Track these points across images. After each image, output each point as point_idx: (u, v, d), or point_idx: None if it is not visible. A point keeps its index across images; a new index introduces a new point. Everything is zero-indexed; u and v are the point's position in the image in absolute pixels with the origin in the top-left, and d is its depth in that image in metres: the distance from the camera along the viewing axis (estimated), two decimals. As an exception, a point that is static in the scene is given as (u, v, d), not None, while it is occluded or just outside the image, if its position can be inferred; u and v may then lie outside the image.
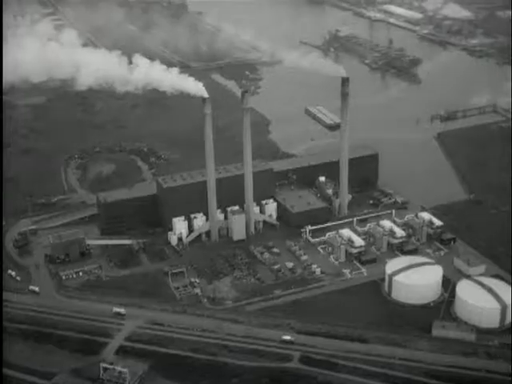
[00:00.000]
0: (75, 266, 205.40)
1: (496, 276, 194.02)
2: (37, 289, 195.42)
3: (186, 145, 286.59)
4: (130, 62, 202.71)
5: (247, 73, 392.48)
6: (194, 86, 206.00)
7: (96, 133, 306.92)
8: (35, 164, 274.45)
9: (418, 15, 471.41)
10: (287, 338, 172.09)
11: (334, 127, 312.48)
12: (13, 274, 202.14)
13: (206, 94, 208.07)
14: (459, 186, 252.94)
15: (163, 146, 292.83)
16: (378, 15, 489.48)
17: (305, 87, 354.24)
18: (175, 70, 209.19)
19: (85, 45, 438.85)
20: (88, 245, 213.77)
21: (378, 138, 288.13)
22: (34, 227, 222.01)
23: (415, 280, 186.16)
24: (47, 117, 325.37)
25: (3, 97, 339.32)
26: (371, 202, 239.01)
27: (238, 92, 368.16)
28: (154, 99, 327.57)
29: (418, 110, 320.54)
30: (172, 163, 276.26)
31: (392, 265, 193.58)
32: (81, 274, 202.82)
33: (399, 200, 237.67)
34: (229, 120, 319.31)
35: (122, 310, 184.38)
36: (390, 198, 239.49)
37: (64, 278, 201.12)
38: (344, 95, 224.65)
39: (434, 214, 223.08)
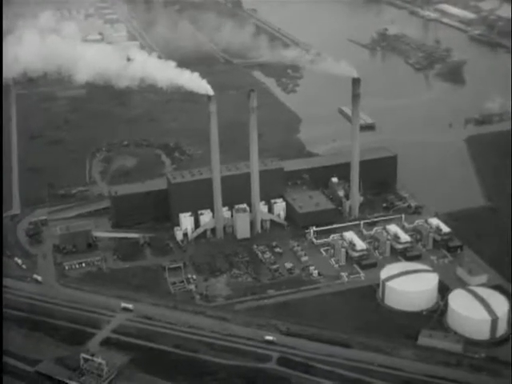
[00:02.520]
0: (80, 257, 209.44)
1: (497, 287, 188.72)
2: (39, 278, 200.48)
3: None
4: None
5: (289, 71, 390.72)
6: (198, 83, 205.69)
7: (128, 126, 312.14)
8: (62, 155, 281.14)
9: (471, 15, 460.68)
10: (269, 338, 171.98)
11: (363, 128, 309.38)
12: (19, 261, 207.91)
13: (211, 92, 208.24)
14: (479, 192, 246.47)
15: (191, 141, 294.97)
16: (432, 14, 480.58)
17: (344, 86, 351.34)
18: (186, 69, 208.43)
19: (131, 39, 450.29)
20: (95, 237, 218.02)
21: (407, 140, 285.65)
22: (44, 217, 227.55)
23: (408, 286, 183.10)
24: (83, 109, 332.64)
25: (43, 88, 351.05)
26: (384, 205, 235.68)
27: (275, 89, 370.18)
28: (189, 94, 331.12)
29: (456, 112, 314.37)
30: (196, 159, 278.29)
31: (387, 270, 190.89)
32: (83, 264, 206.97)
33: (413, 204, 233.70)
34: (258, 117, 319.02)
35: (130, 306, 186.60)
36: (404, 202, 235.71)
37: (67, 268, 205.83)
38: (355, 96, 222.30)
39: (444, 220, 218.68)
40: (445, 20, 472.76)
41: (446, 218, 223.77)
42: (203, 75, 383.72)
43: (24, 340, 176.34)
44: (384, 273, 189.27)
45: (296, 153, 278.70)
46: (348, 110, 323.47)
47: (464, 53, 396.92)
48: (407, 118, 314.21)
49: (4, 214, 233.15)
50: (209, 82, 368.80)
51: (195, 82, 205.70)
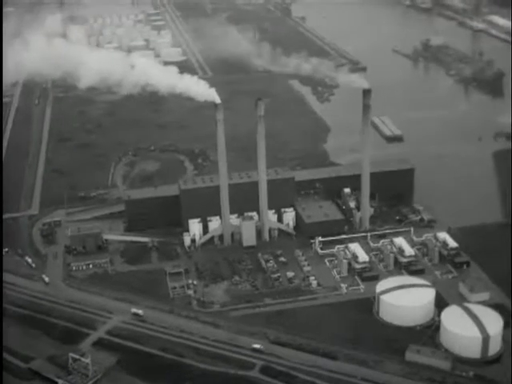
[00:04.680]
0: (88, 259, 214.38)
1: (499, 305, 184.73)
2: (47, 279, 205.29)
3: (239, 148, 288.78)
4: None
5: (326, 80, 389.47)
6: (205, 91, 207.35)
7: (158, 132, 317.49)
8: (89, 158, 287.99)
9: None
10: (257, 346, 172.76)
11: (391, 139, 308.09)
12: (29, 260, 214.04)
13: (218, 100, 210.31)
14: (498, 208, 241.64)
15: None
16: (480, 25, 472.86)
17: (378, 96, 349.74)
18: (188, 76, 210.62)
19: (176, 46, 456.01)
20: (106, 240, 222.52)
21: (434, 152, 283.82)
22: (58, 219, 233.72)
23: (402, 301, 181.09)
24: (117, 114, 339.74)
25: (82, 92, 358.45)
26: (397, 217, 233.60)
27: (310, 98, 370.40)
28: (222, 101, 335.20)
29: (489, 125, 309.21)
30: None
31: (384, 283, 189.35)
32: (91, 266, 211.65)
33: (426, 218, 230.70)
34: (288, 125, 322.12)
35: (140, 312, 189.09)
36: (417, 215, 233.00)
37: (74, 268, 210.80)
38: (365, 107, 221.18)
39: (455, 235, 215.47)
40: (492, 31, 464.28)
41: (459, 233, 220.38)
42: (239, 83, 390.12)
43: (22, 337, 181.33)
44: (380, 286, 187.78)
45: (318, 162, 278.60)
46: (378, 121, 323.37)
47: (506, 65, 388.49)
48: (439, 130, 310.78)
49: (22, 214, 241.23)
50: (244, 90, 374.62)
51: (202, 89, 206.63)
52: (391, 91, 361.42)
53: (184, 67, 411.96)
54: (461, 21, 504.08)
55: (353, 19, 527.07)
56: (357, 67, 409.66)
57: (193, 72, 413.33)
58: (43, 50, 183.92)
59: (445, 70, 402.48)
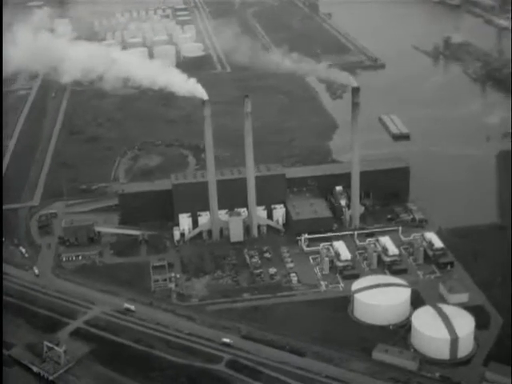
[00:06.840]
0: (79, 250, 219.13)
1: (477, 307, 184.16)
2: (37, 270, 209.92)
3: (241, 144, 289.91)
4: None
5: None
6: (191, 86, 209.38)
7: (167, 127, 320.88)
8: (96, 151, 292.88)
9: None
10: (226, 340, 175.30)
11: (398, 137, 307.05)
12: (23, 250, 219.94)
13: (205, 96, 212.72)
14: (494, 209, 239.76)
15: (223, 143, 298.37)
16: (505, 23, 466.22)
17: (393, 94, 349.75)
18: (176, 71, 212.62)
19: (199, 41, 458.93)
20: (99, 232, 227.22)
21: (439, 151, 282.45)
22: (54, 211, 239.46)
23: (375, 300, 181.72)
24: (129, 108, 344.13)
25: (98, 86, 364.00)
26: (389, 216, 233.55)
27: (323, 95, 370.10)
28: (233, 97, 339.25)
29: (500, 125, 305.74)
30: (220, 160, 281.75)
31: (361, 282, 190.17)
32: (80, 257, 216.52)
33: (417, 217, 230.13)
34: (296, 121, 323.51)
35: (132, 307, 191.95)
36: (409, 215, 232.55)
37: (64, 259, 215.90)
38: (354, 105, 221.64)
39: (444, 236, 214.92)
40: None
41: (448, 234, 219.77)
42: (256, 79, 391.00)
43: (6, 325, 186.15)
44: (356, 284, 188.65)
45: (320, 159, 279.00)
46: (386, 118, 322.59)
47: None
48: (447, 129, 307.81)
49: (23, 205, 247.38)
50: (259, 86, 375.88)
51: (186, 85, 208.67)
52: (404, 88, 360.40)
53: (203, 62, 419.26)
54: (487, 18, 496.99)
55: (379, 16, 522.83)
56: (376, 64, 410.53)
57: (212, 67, 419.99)
58: (28, 44, 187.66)
59: (463, 68, 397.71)
